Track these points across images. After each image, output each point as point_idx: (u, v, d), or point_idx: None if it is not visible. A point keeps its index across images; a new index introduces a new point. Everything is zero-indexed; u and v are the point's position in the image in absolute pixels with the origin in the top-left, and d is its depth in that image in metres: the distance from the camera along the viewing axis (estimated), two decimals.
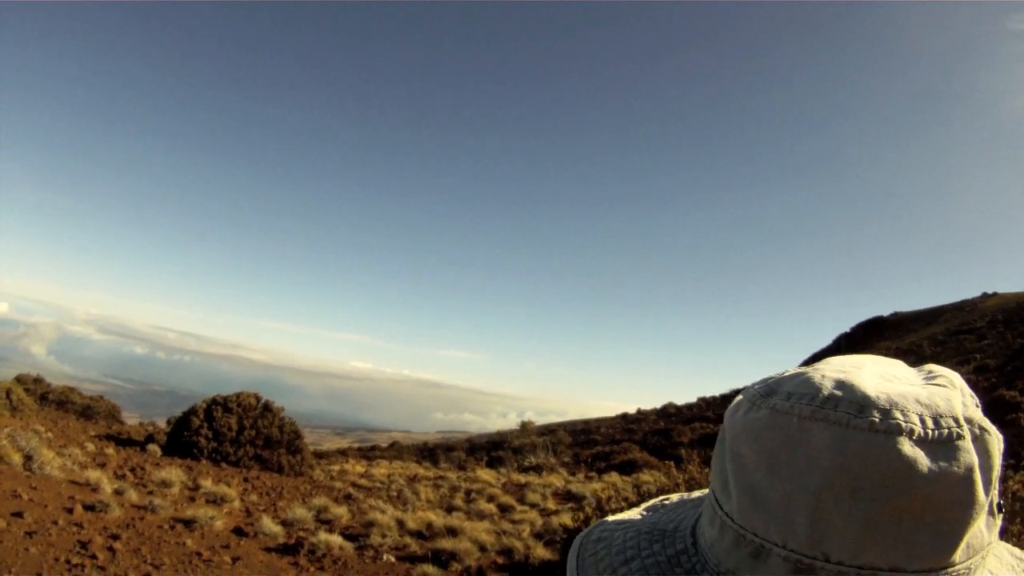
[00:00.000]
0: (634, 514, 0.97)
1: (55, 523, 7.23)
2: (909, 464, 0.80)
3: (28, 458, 9.68)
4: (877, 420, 0.80)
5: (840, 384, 0.80)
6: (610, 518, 0.96)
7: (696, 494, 0.99)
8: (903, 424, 0.80)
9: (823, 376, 0.80)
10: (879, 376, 0.80)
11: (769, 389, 0.81)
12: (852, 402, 0.80)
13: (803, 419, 0.80)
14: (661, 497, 1.02)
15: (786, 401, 0.80)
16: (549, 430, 35.93)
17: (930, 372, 0.80)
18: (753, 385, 0.83)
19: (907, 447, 0.80)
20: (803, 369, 0.82)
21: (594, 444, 29.77)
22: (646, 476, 16.13)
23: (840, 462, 0.79)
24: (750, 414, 0.81)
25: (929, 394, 0.80)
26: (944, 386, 0.80)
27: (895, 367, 0.81)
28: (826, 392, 0.80)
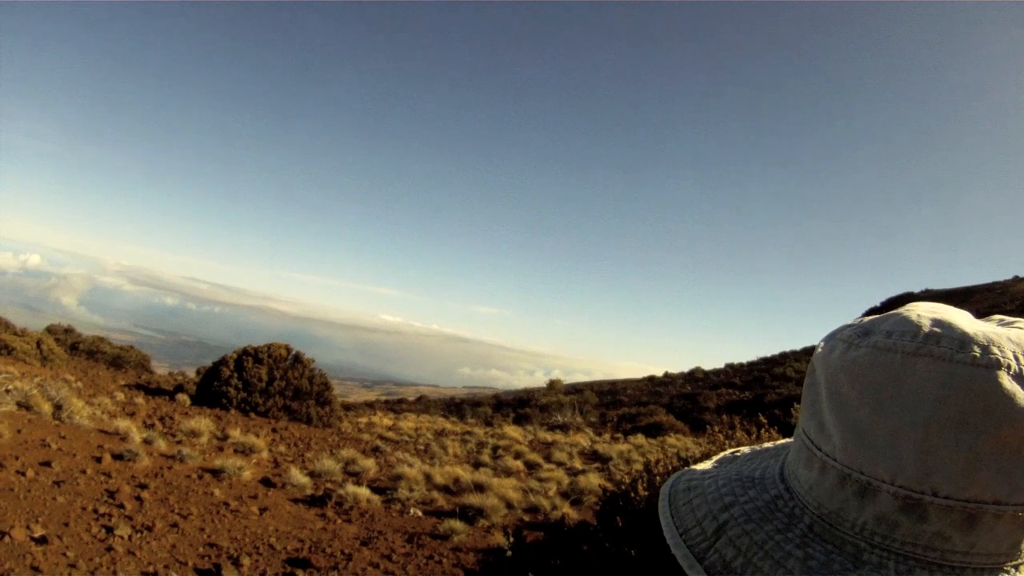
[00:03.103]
0: (708, 466, 0.98)
1: (83, 472, 7.25)
2: (1010, 397, 0.80)
3: (58, 407, 9.75)
4: (978, 355, 0.80)
5: (938, 322, 0.80)
6: (687, 472, 0.97)
7: (768, 445, 1.01)
8: (1002, 359, 0.80)
9: (919, 315, 0.81)
10: (967, 317, 0.82)
11: (865, 330, 0.82)
12: (953, 338, 0.79)
13: (907, 355, 0.79)
14: (731, 450, 1.03)
15: (887, 338, 0.80)
16: (576, 389, 36.01)
17: (1001, 319, 0.83)
18: (840, 329, 0.85)
19: (1007, 381, 0.80)
20: (893, 312, 0.83)
21: (620, 405, 29.74)
22: (672, 440, 16.03)
23: (946, 395, 0.79)
24: (849, 353, 0.81)
25: (1017, 335, 0.80)
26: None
27: (968, 314, 0.84)
28: (926, 329, 0.80)
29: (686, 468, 0.98)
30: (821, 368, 0.83)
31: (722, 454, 1.01)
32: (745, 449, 1.02)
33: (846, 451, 0.79)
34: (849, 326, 0.84)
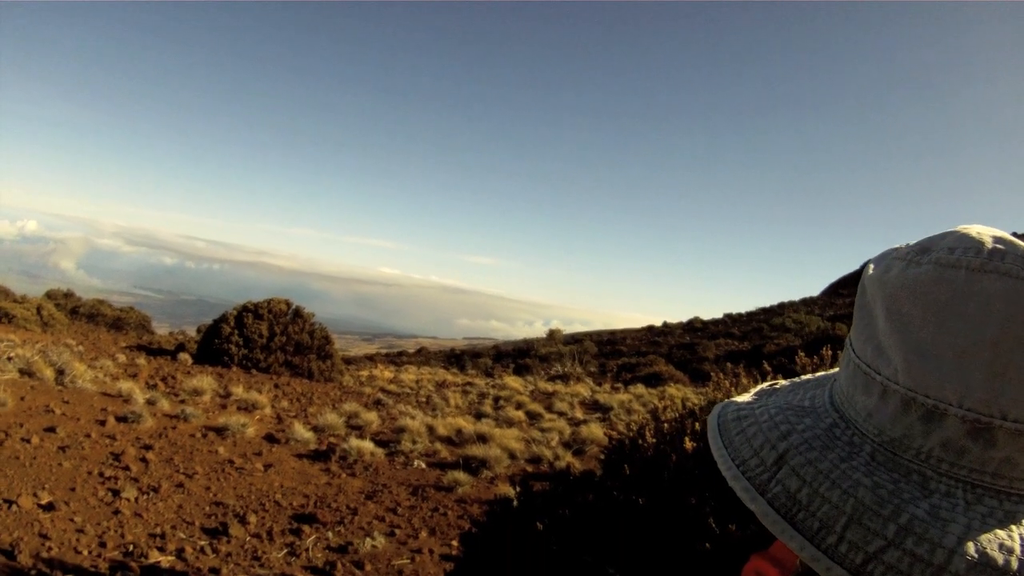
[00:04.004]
0: (748, 398, 0.94)
1: (88, 436, 7.28)
2: None
3: (60, 372, 9.76)
4: None
5: (999, 239, 0.77)
6: (732, 404, 0.93)
7: (807, 376, 0.98)
8: None
9: (979, 232, 0.78)
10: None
11: (923, 247, 0.79)
12: (1017, 255, 0.75)
13: (972, 271, 0.75)
14: (768, 383, 1.00)
15: (950, 254, 0.76)
16: (575, 339, 36.20)
17: None
18: (893, 249, 0.83)
19: None
20: (947, 231, 0.81)
21: (620, 355, 29.90)
22: (672, 390, 16.15)
23: (1014, 312, 0.73)
24: (910, 271, 0.78)
25: None
26: None
27: None
28: (989, 245, 0.76)
29: (728, 400, 0.94)
30: (877, 288, 0.81)
31: (760, 386, 0.98)
32: (784, 382, 0.98)
33: (909, 373, 0.75)
34: (898, 248, 0.82)
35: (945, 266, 0.76)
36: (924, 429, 0.75)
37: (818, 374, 0.96)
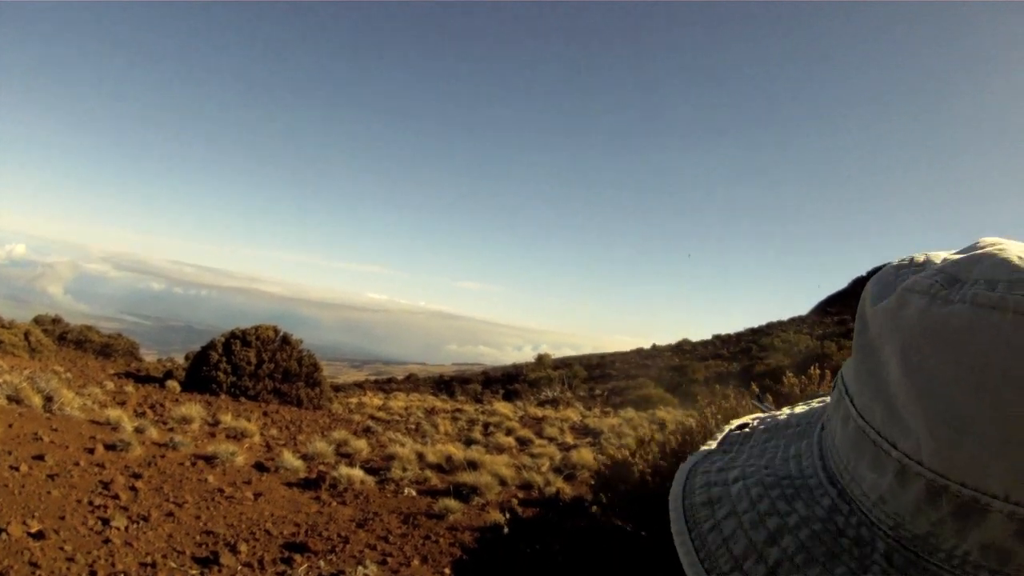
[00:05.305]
0: (717, 450, 0.73)
1: (76, 464, 7.24)
2: None
3: (48, 399, 9.70)
4: None
5: None
6: (699, 467, 0.71)
7: (782, 413, 0.77)
8: None
9: (1020, 257, 0.56)
10: None
11: (950, 277, 0.57)
12: None
13: (1022, 315, 0.53)
14: (738, 422, 0.77)
15: (990, 291, 0.54)
16: (565, 364, 36.24)
17: None
18: (903, 269, 0.62)
19: None
20: (977, 252, 0.59)
21: (609, 379, 29.98)
22: (662, 413, 16.20)
23: None
24: (935, 310, 0.56)
25: None
26: None
27: None
28: None
29: (696, 458, 0.73)
30: (888, 328, 0.59)
31: (728, 428, 0.77)
32: (753, 419, 0.77)
33: (939, 453, 0.54)
34: (917, 267, 0.61)
35: (985, 307, 0.54)
36: (958, 527, 0.54)
37: (797, 409, 0.77)
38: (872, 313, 0.61)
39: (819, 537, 0.59)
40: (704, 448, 0.75)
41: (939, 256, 0.62)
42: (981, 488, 0.53)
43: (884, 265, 0.66)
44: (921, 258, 0.63)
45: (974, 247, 0.61)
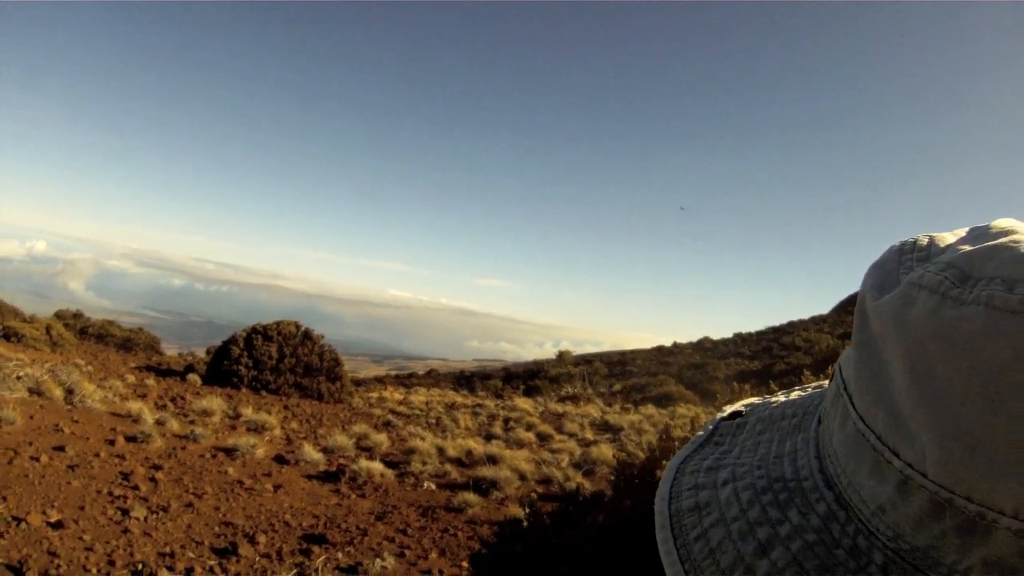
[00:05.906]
0: (706, 444, 0.68)
1: (97, 455, 7.28)
2: None
3: (69, 392, 9.79)
4: None
5: None
6: (688, 464, 0.66)
7: (777, 399, 0.71)
8: None
9: None
10: None
11: (962, 274, 0.51)
12: None
13: None
14: (731, 409, 0.73)
15: (1008, 292, 0.48)
16: (585, 360, 36.14)
17: None
18: (904, 256, 0.56)
19: None
20: (990, 241, 0.52)
21: (630, 376, 29.88)
22: (682, 410, 16.06)
23: None
24: (945, 312, 0.49)
25: None
26: None
27: None
28: None
29: (686, 451, 0.68)
30: (892, 329, 0.53)
31: (720, 416, 0.72)
32: (746, 406, 0.73)
33: (945, 465, 0.50)
34: (921, 253, 0.56)
35: (1001, 311, 0.49)
36: (962, 542, 0.50)
37: (792, 395, 0.72)
38: (873, 308, 0.56)
39: (812, 549, 0.54)
40: (694, 439, 0.70)
41: (944, 239, 0.57)
42: (988, 504, 0.50)
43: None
44: (925, 240, 0.58)
45: (986, 232, 0.54)
